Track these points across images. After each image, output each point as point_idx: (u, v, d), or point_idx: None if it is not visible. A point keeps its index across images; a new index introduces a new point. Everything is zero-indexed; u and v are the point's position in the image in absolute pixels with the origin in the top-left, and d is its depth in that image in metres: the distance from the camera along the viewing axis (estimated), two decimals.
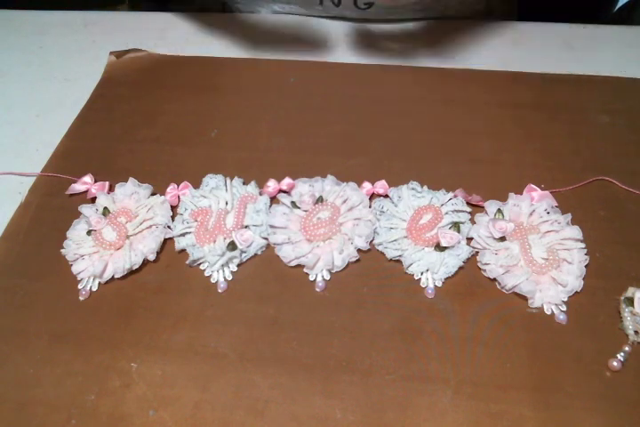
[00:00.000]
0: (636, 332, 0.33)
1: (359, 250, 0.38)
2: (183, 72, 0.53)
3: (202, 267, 0.38)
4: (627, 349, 0.33)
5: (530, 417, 0.31)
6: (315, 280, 0.37)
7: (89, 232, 0.39)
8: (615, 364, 0.32)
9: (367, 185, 0.41)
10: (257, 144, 0.46)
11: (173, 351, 0.34)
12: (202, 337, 0.34)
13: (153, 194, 0.41)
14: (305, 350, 0.34)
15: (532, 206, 0.39)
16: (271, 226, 0.39)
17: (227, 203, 0.40)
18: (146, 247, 0.38)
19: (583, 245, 0.37)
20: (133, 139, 0.47)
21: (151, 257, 0.38)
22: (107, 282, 0.37)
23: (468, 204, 0.40)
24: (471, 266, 0.37)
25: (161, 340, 0.34)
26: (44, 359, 0.34)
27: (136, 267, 0.37)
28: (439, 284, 0.36)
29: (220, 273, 0.37)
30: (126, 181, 0.41)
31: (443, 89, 0.50)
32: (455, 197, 0.40)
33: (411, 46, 0.54)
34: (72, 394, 0.32)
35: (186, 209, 0.40)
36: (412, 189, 0.40)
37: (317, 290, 0.37)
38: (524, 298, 0.35)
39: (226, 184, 0.41)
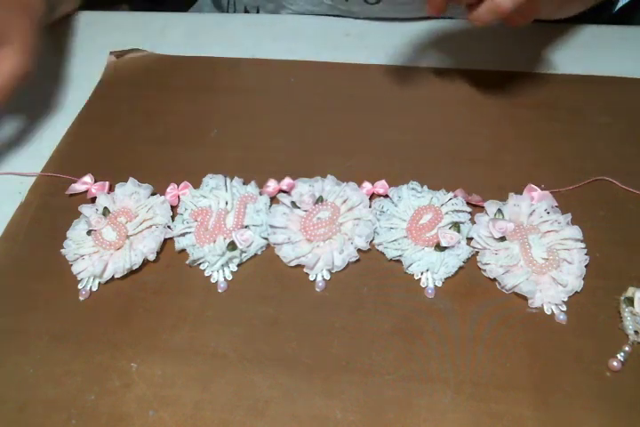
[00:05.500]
0: (636, 332, 0.33)
1: (359, 250, 0.38)
2: (183, 72, 0.53)
3: (202, 267, 0.38)
4: (627, 349, 0.33)
5: (530, 417, 0.31)
6: (315, 280, 0.37)
7: (89, 232, 0.39)
8: (615, 364, 0.32)
9: (367, 185, 0.41)
10: (257, 144, 0.46)
11: (173, 351, 0.34)
12: (202, 337, 0.34)
13: (153, 194, 0.41)
14: (305, 350, 0.34)
15: (532, 206, 0.39)
16: (271, 226, 0.39)
17: (227, 203, 0.40)
18: (146, 247, 0.38)
19: (583, 245, 0.37)
20: (133, 139, 0.47)
21: (151, 257, 0.38)
22: (107, 282, 0.37)
23: (468, 204, 0.40)
24: (471, 266, 0.37)
25: (161, 340, 0.34)
26: (44, 359, 0.34)
27: (136, 267, 0.37)
28: (439, 284, 0.36)
29: (219, 273, 0.37)
30: (126, 181, 0.41)
31: (443, 89, 0.50)
32: (455, 197, 0.40)
33: (411, 46, 0.54)
34: (72, 394, 0.32)
35: (186, 209, 0.40)
36: (412, 189, 0.40)
37: (317, 290, 0.37)
38: (524, 298, 0.35)
39: (226, 184, 0.41)
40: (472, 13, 0.37)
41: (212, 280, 0.37)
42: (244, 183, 0.42)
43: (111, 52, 0.54)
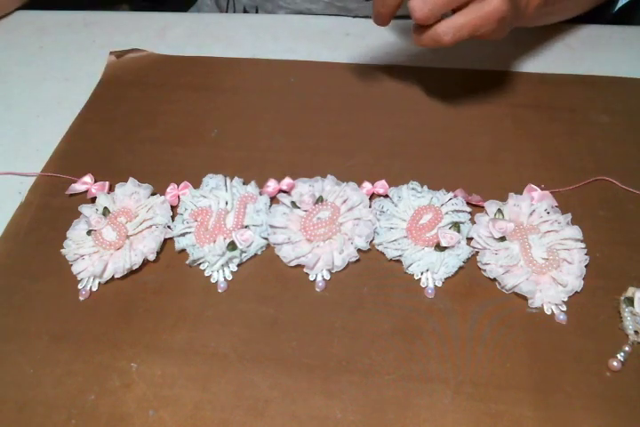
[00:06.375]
0: (636, 332, 0.33)
1: (359, 250, 0.38)
2: (183, 72, 0.53)
3: (202, 267, 0.38)
4: (627, 349, 0.33)
5: (530, 417, 0.31)
6: (315, 280, 0.37)
7: (89, 232, 0.39)
8: (615, 364, 0.32)
9: (367, 185, 0.41)
10: (257, 144, 0.46)
11: (173, 351, 0.34)
12: (202, 337, 0.34)
13: (153, 194, 0.41)
14: (305, 350, 0.34)
15: (532, 206, 0.39)
16: (271, 226, 0.39)
17: (227, 203, 0.40)
18: (146, 247, 0.38)
19: (583, 245, 0.37)
20: (133, 139, 0.47)
21: (151, 257, 0.38)
22: (107, 282, 0.37)
23: (468, 204, 0.40)
24: (471, 266, 0.37)
25: (161, 340, 0.34)
26: (44, 359, 0.34)
27: (136, 267, 0.37)
28: (439, 284, 0.36)
29: (219, 273, 0.37)
30: (126, 181, 0.41)
31: (443, 89, 0.50)
32: (455, 197, 0.40)
33: (412, 46, 0.54)
34: (72, 394, 0.32)
35: (186, 209, 0.40)
36: (412, 189, 0.40)
37: (317, 290, 0.37)
38: (524, 298, 0.35)
39: (226, 184, 0.41)
40: (417, 37, 0.39)
41: (212, 280, 0.37)
42: (244, 183, 0.42)
43: (111, 52, 0.54)
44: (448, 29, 0.37)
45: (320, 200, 0.40)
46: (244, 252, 0.38)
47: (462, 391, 0.32)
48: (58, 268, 0.38)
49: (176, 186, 0.41)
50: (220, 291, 0.37)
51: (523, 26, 0.49)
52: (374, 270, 0.38)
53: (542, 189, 0.40)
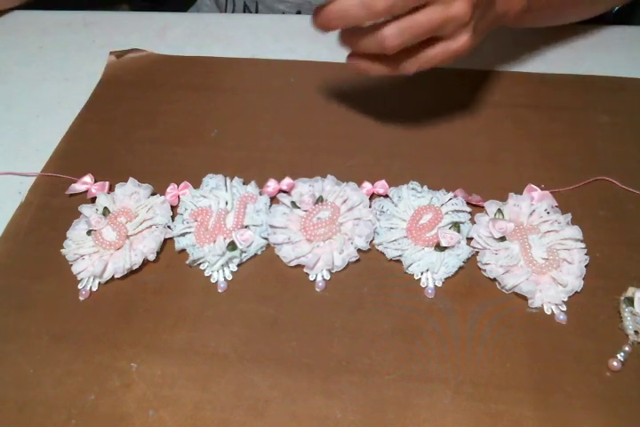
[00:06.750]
0: (636, 332, 0.33)
1: (359, 250, 0.38)
2: (183, 72, 0.53)
3: (202, 267, 0.38)
4: (627, 349, 0.33)
5: (530, 417, 0.31)
6: (315, 280, 0.37)
7: (89, 232, 0.39)
8: (615, 364, 0.32)
9: (367, 185, 0.41)
10: (257, 144, 0.46)
11: (173, 351, 0.34)
12: (202, 337, 0.34)
13: (153, 194, 0.41)
14: (305, 350, 0.34)
15: (532, 206, 0.39)
16: (271, 226, 0.39)
17: (227, 203, 0.40)
18: (146, 247, 0.38)
19: (583, 245, 0.37)
20: (133, 139, 0.47)
21: (151, 257, 0.38)
22: (107, 282, 0.37)
23: (468, 204, 0.40)
24: (471, 266, 0.37)
25: (161, 340, 0.34)
26: (44, 359, 0.34)
27: (136, 267, 0.37)
28: (439, 284, 0.36)
29: (219, 273, 0.37)
30: (126, 181, 0.41)
31: (443, 89, 0.50)
32: (455, 197, 0.40)
33: None
34: (72, 394, 0.32)
35: (186, 209, 0.40)
36: (412, 189, 0.40)
37: (317, 290, 0.37)
38: (524, 298, 0.35)
39: (226, 184, 0.41)
40: (371, 65, 0.38)
41: (212, 280, 0.37)
42: (244, 183, 0.42)
43: (111, 52, 0.54)
44: (416, 61, 0.37)
45: (320, 200, 0.40)
46: (244, 252, 0.38)
47: (462, 391, 0.32)
48: (58, 268, 0.38)
49: (176, 186, 0.41)
50: (220, 291, 0.37)
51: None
52: (374, 270, 0.38)
53: (542, 189, 0.40)
